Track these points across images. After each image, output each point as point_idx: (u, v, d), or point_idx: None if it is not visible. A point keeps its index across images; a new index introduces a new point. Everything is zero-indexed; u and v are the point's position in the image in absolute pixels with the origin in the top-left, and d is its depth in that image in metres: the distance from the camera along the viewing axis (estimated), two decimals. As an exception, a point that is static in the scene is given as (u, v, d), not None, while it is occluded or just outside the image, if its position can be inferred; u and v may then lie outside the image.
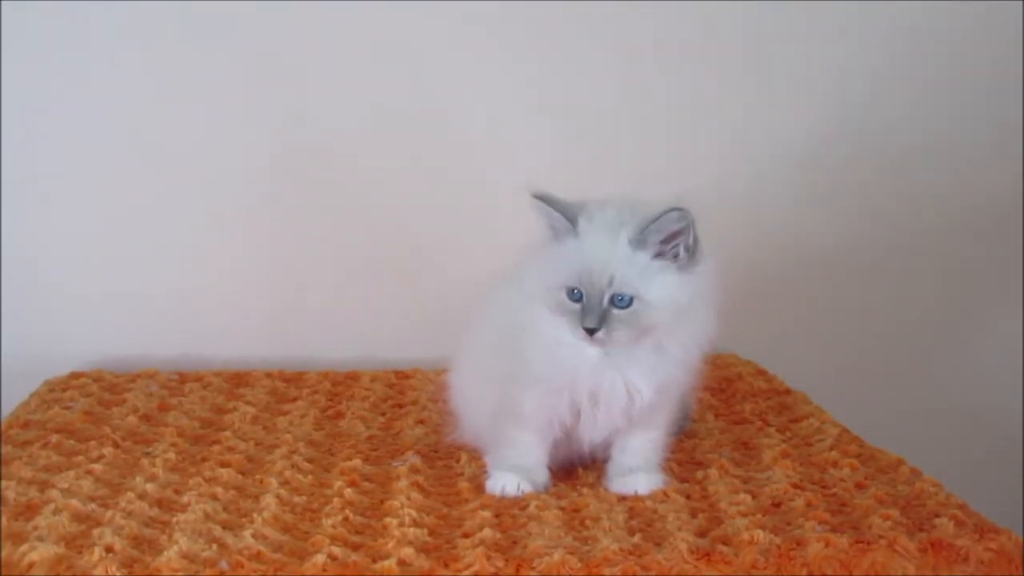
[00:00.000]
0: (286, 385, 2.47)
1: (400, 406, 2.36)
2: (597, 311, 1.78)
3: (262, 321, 2.64)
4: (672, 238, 1.78)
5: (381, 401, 2.39)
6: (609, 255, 1.78)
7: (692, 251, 1.80)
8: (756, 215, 2.67)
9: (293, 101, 2.58)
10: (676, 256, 1.79)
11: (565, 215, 1.81)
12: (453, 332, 2.06)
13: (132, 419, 2.21)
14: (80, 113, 2.54)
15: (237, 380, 2.49)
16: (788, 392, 2.40)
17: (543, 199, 1.82)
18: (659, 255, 1.78)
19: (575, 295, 1.79)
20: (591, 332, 1.78)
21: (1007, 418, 2.81)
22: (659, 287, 1.79)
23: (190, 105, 2.56)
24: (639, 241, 1.78)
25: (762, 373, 2.51)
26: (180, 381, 2.47)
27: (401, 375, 2.55)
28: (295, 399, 2.39)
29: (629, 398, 1.85)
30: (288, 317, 2.65)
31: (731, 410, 2.30)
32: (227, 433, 2.15)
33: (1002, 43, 2.69)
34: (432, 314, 2.58)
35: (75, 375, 2.47)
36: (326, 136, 2.59)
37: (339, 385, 2.48)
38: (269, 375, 2.52)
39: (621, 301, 1.78)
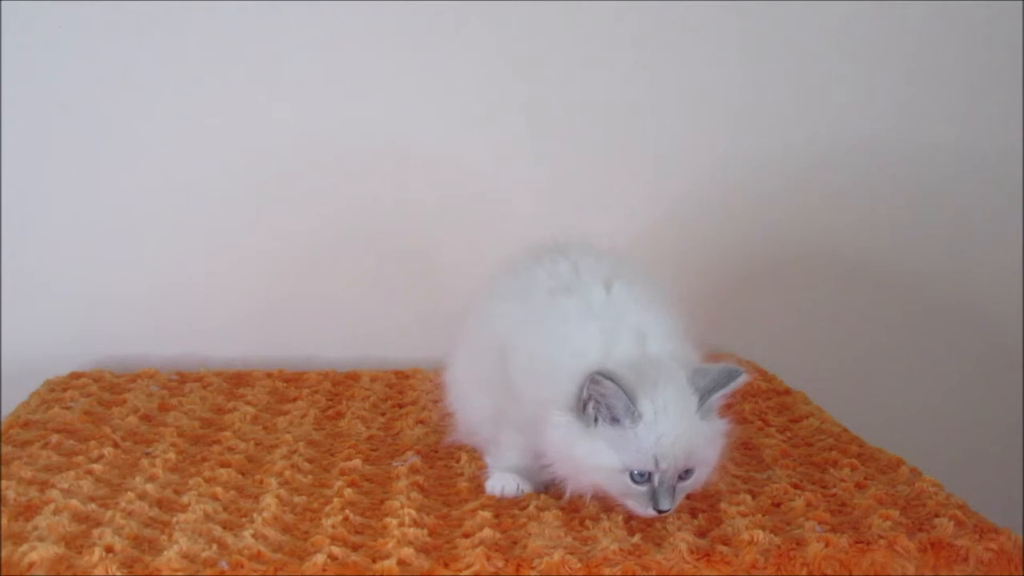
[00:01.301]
0: (286, 385, 2.47)
1: (400, 406, 2.36)
2: (671, 492, 1.71)
3: (262, 321, 2.64)
4: (728, 398, 1.74)
5: (381, 401, 2.39)
6: (685, 434, 1.70)
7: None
8: (756, 215, 2.67)
9: (294, 101, 2.58)
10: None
11: (630, 397, 1.68)
12: (453, 333, 2.06)
13: (132, 419, 2.21)
14: (80, 113, 2.54)
15: (237, 380, 2.49)
16: (788, 392, 2.40)
17: (610, 378, 1.67)
18: (716, 419, 1.75)
19: (642, 478, 1.71)
20: (663, 512, 1.71)
21: (1007, 418, 2.81)
22: (712, 447, 1.75)
23: (191, 105, 2.56)
24: (707, 410, 1.73)
25: (762, 373, 2.52)
26: (180, 381, 2.47)
27: (401, 375, 2.55)
28: (295, 399, 2.39)
29: None
30: (288, 317, 2.65)
31: (731, 410, 2.30)
32: (227, 433, 2.15)
33: (1002, 43, 2.69)
34: (432, 314, 2.57)
35: (75, 375, 2.47)
36: (326, 136, 2.59)
37: (339, 385, 2.48)
38: (269, 375, 2.52)
39: (688, 474, 1.73)
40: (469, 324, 2.00)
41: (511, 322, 1.86)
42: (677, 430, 1.69)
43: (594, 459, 1.72)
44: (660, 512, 1.72)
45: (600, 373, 1.68)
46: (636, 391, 1.69)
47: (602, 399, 1.69)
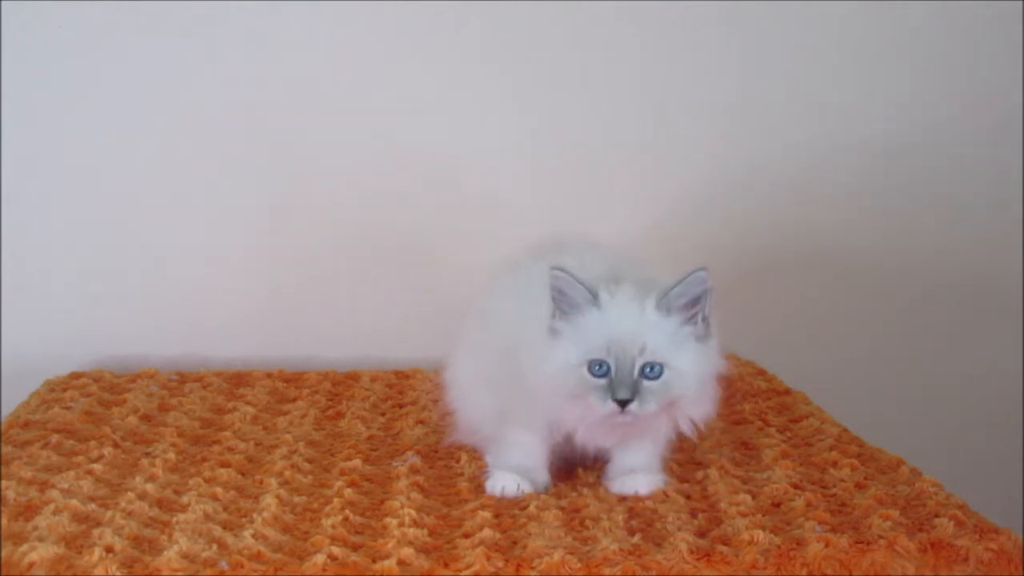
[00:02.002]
0: (286, 385, 2.47)
1: (400, 406, 2.36)
2: (629, 381, 1.74)
3: (262, 321, 2.64)
4: (695, 303, 1.76)
5: (381, 401, 2.39)
6: (638, 322, 1.74)
7: (707, 321, 1.78)
8: (756, 215, 2.67)
9: (294, 102, 2.58)
10: (695, 325, 1.77)
11: (586, 287, 1.75)
12: (453, 332, 2.06)
13: (132, 419, 2.21)
14: (80, 113, 2.54)
15: (237, 380, 2.49)
16: (788, 392, 2.40)
17: (564, 271, 1.76)
18: (684, 323, 1.76)
19: (600, 369, 1.75)
20: (624, 404, 1.73)
21: (1007, 418, 2.81)
22: (688, 355, 1.76)
23: (190, 105, 2.56)
24: (666, 307, 1.75)
25: (762, 373, 2.51)
26: (180, 381, 2.47)
27: (401, 375, 2.55)
28: (295, 399, 2.39)
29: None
30: (288, 317, 2.65)
31: (731, 410, 2.30)
32: (227, 433, 2.15)
33: (1002, 43, 2.69)
34: (432, 314, 2.57)
35: (75, 375, 2.47)
36: (326, 136, 2.59)
37: (339, 385, 2.48)
38: (269, 375, 2.52)
39: (652, 371, 1.75)
40: (471, 323, 2.01)
41: (516, 320, 1.87)
42: (630, 317, 1.74)
43: (558, 360, 1.76)
44: (619, 403, 1.73)
45: (555, 266, 1.75)
46: (596, 286, 1.76)
47: (562, 295, 1.76)
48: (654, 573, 1.60)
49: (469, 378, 2.01)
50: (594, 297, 1.76)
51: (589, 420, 1.80)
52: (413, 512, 1.78)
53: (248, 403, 2.33)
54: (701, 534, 1.72)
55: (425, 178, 2.62)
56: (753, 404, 2.32)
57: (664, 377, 1.76)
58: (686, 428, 1.85)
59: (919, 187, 2.73)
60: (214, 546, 1.65)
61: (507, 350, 1.86)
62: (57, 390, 2.37)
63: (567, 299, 1.77)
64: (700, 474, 1.96)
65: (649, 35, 2.62)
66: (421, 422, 2.25)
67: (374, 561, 1.62)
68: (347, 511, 1.79)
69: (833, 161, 2.70)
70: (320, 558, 1.61)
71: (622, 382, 1.74)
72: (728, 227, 2.68)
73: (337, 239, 2.62)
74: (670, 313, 1.76)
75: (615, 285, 1.77)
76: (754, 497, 1.85)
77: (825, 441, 2.09)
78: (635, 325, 1.75)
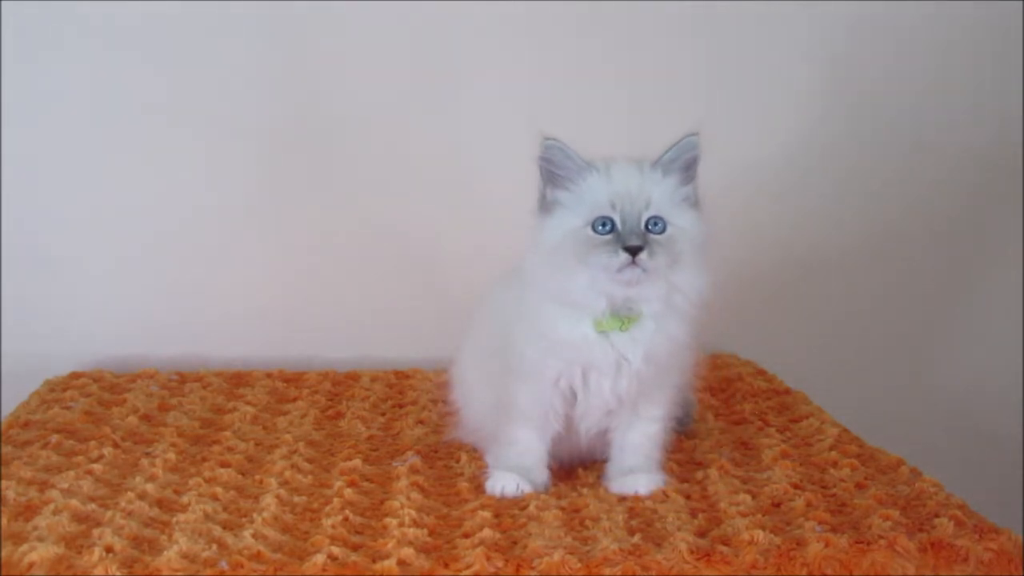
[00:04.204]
0: (286, 385, 2.47)
1: (400, 406, 2.36)
2: (638, 231, 1.77)
3: (262, 321, 2.64)
4: (688, 168, 1.82)
5: (381, 401, 2.39)
6: (641, 179, 1.80)
7: (696, 189, 1.84)
8: (755, 215, 2.67)
9: (295, 103, 2.58)
10: (690, 192, 1.82)
11: (581, 157, 1.81)
12: (453, 332, 2.07)
13: (132, 419, 2.21)
14: (80, 113, 2.54)
15: (237, 380, 2.49)
16: (788, 392, 2.40)
17: (557, 140, 1.81)
18: (680, 184, 1.82)
19: (605, 227, 1.78)
20: (635, 252, 1.76)
21: (1007, 418, 2.81)
22: (687, 215, 1.81)
23: (191, 105, 2.56)
24: (663, 168, 1.81)
25: (762, 373, 2.52)
26: (180, 381, 2.47)
27: (401, 375, 2.55)
28: (295, 399, 2.39)
29: (618, 370, 1.84)
30: (288, 317, 2.65)
31: (731, 410, 2.30)
32: (227, 433, 2.15)
33: (1002, 42, 2.69)
34: (432, 314, 2.58)
35: (75, 375, 2.47)
36: (327, 137, 2.59)
37: (339, 385, 2.48)
38: (269, 375, 2.52)
39: (656, 226, 1.79)
40: (474, 321, 2.02)
41: (511, 310, 1.88)
42: (632, 175, 1.80)
43: (559, 228, 1.80)
44: (630, 251, 1.76)
45: (548, 136, 1.80)
46: (592, 159, 1.81)
47: (555, 167, 1.81)
48: (654, 573, 1.60)
49: (471, 376, 2.01)
50: (590, 164, 1.81)
51: (599, 286, 1.79)
52: (413, 512, 1.78)
53: (248, 403, 2.33)
54: (701, 534, 1.72)
55: (426, 178, 2.62)
56: (753, 404, 2.32)
57: (668, 232, 1.79)
58: (679, 299, 1.83)
59: (919, 188, 2.73)
60: (214, 546, 1.65)
61: (502, 338, 1.88)
62: (57, 390, 2.37)
63: (563, 168, 1.81)
64: (700, 474, 1.96)
65: (650, 36, 2.62)
66: (421, 422, 2.25)
67: (374, 561, 1.62)
68: (347, 511, 1.79)
69: (833, 162, 2.70)
70: (320, 558, 1.61)
71: (631, 231, 1.77)
72: (728, 227, 2.66)
73: (338, 239, 2.62)
74: (667, 174, 1.81)
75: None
76: (754, 497, 1.85)
77: (825, 441, 2.09)
78: (638, 181, 1.80)
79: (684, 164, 1.82)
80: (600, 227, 1.78)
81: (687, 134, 1.82)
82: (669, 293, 1.82)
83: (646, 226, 1.78)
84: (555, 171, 1.81)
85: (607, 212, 1.78)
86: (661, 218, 1.79)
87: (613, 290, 1.79)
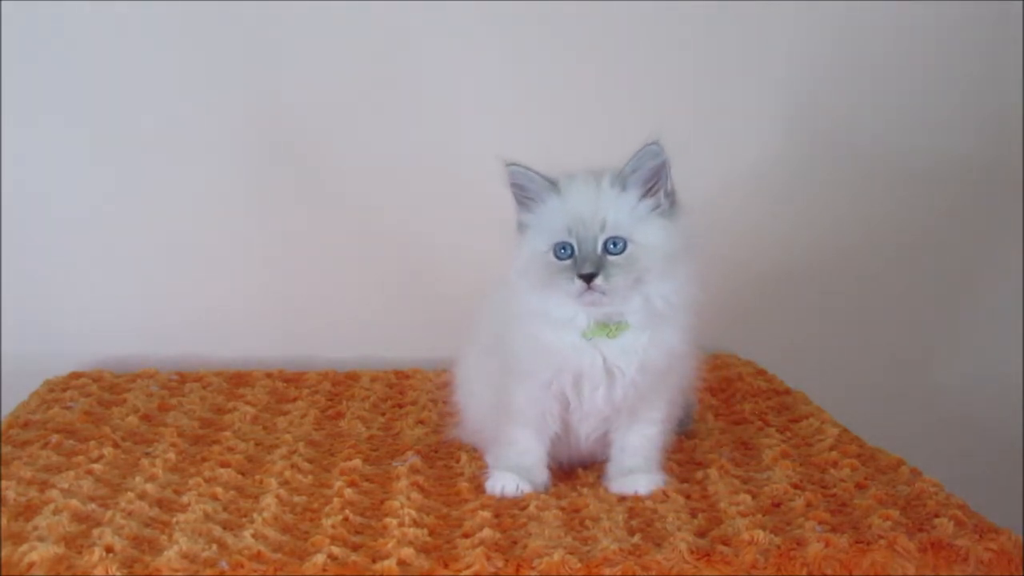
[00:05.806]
0: (286, 385, 2.47)
1: (400, 406, 2.36)
2: (593, 257, 1.77)
3: (262, 321, 2.64)
4: (652, 177, 1.80)
5: (381, 401, 2.39)
6: (597, 200, 1.79)
7: (671, 197, 1.82)
8: (755, 216, 2.67)
9: (294, 104, 2.58)
10: (658, 202, 1.80)
11: (544, 176, 1.81)
12: (453, 332, 2.07)
13: (132, 419, 2.21)
14: (80, 114, 2.54)
15: (237, 380, 2.49)
16: (788, 392, 2.40)
17: (519, 165, 1.82)
18: (643, 197, 1.80)
19: (564, 252, 1.79)
20: (589, 279, 1.76)
21: (1007, 418, 2.81)
22: (650, 228, 1.79)
23: (190, 106, 2.56)
24: (622, 183, 1.79)
25: (762, 373, 2.52)
26: (180, 381, 2.47)
27: (401, 375, 2.55)
28: (295, 399, 2.39)
29: (611, 379, 1.84)
30: (288, 317, 2.65)
31: (731, 410, 2.30)
32: (227, 433, 2.15)
33: (1002, 42, 2.69)
34: (432, 314, 2.58)
35: (75, 375, 2.47)
36: (327, 138, 2.59)
37: (339, 385, 2.48)
38: (269, 375, 2.52)
39: (615, 246, 1.78)
40: (476, 321, 2.02)
41: (508, 310, 1.89)
42: (588, 196, 1.79)
43: (527, 251, 1.82)
44: (584, 279, 1.76)
45: (511, 162, 1.82)
46: (556, 177, 1.82)
47: (521, 191, 1.83)
48: (654, 573, 1.60)
49: (472, 376, 2.02)
50: (553, 185, 1.81)
51: (572, 304, 1.80)
52: (413, 512, 1.78)
53: (248, 403, 2.33)
54: (701, 534, 1.72)
55: (427, 179, 2.61)
56: (753, 404, 2.32)
57: (628, 251, 1.78)
58: (660, 305, 1.82)
59: (919, 188, 2.72)
60: (214, 546, 1.65)
61: (500, 338, 1.88)
62: (57, 390, 2.37)
63: (527, 192, 1.83)
64: (700, 474, 1.96)
65: (651, 37, 2.62)
66: (421, 422, 2.25)
67: (374, 561, 1.62)
68: (347, 511, 1.79)
69: (833, 163, 2.70)
70: (320, 558, 1.61)
71: (585, 258, 1.77)
72: (728, 228, 2.67)
73: (338, 240, 2.62)
74: (626, 188, 1.80)
75: (570, 175, 1.82)
76: (754, 497, 1.85)
77: (825, 441, 2.09)
78: (593, 203, 1.79)
79: (648, 174, 1.80)
80: (560, 252, 1.79)
81: (646, 143, 1.80)
82: (647, 303, 1.81)
83: (605, 247, 1.78)
84: (522, 195, 1.83)
85: (564, 237, 1.79)
86: (621, 238, 1.78)
87: (583, 309, 1.81)
